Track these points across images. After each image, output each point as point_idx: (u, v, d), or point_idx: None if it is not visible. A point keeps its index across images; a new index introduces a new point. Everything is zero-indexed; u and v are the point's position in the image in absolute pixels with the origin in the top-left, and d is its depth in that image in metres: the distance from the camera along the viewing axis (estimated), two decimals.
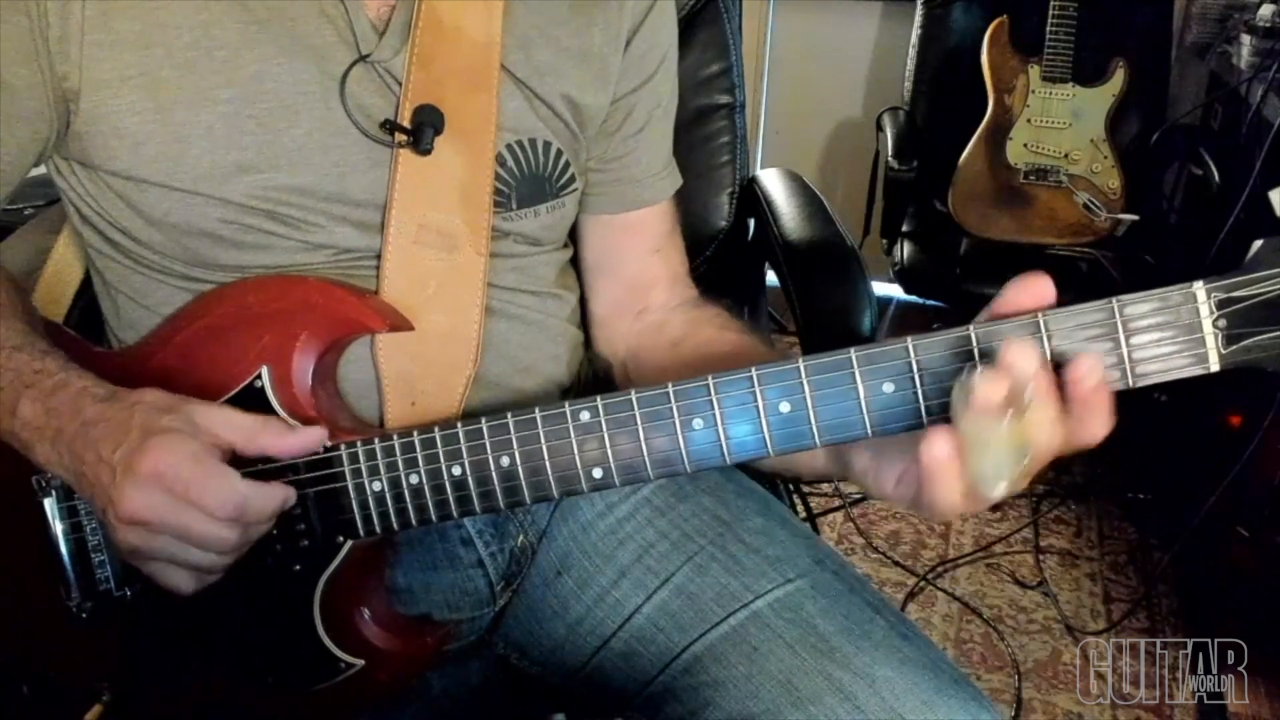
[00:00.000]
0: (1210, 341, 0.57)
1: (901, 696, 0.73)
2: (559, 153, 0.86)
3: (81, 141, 0.77)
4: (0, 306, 0.78)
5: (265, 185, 0.77)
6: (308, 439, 0.71)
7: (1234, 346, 0.57)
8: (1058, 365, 0.57)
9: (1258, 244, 0.57)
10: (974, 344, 0.59)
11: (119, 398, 0.70)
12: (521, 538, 0.91)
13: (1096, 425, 0.58)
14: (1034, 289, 0.60)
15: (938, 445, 0.57)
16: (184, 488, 0.66)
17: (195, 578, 0.71)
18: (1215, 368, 0.57)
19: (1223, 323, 0.57)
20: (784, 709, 0.74)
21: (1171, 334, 0.57)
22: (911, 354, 0.60)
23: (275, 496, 0.70)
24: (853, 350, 0.61)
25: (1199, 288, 0.57)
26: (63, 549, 0.77)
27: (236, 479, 0.68)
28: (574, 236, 0.96)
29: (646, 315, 0.95)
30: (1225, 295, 0.56)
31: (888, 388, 0.61)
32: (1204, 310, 0.57)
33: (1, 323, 0.76)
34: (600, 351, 0.98)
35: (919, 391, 0.60)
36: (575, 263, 0.97)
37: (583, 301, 0.98)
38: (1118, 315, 0.58)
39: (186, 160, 0.76)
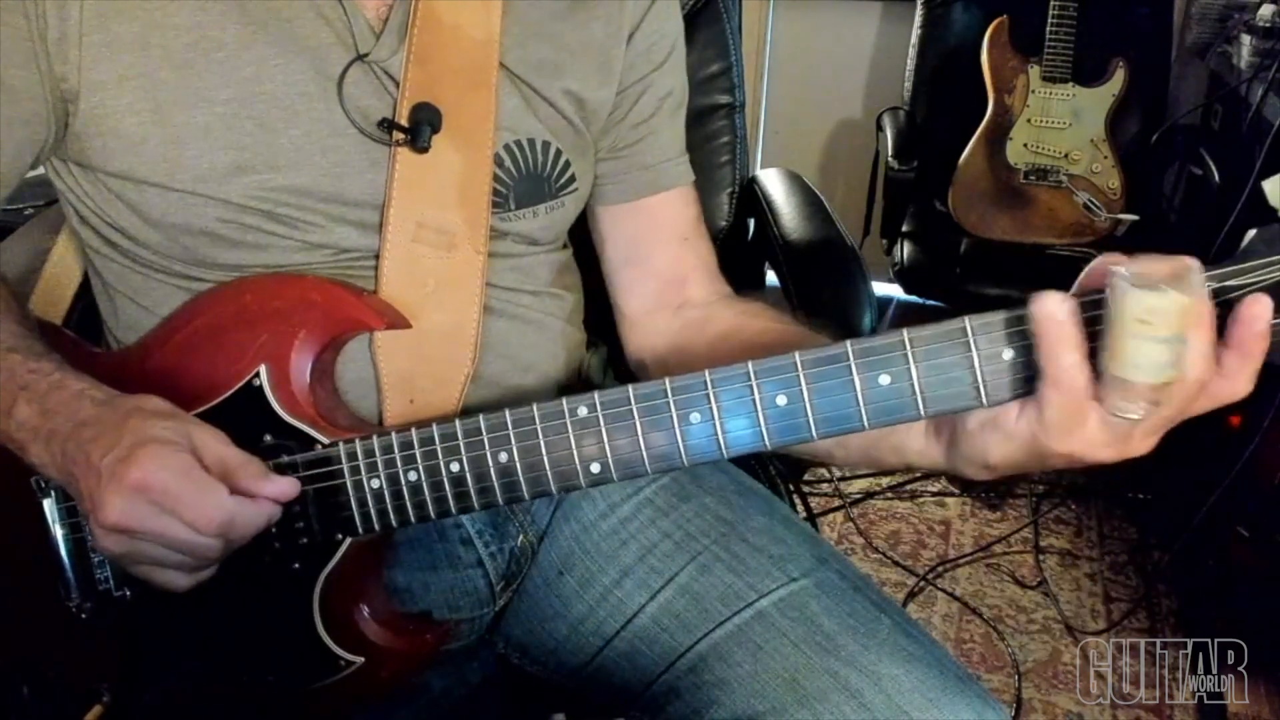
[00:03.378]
0: None
1: (907, 694, 0.73)
2: (559, 152, 0.86)
3: (80, 142, 0.77)
4: None
5: (264, 185, 0.77)
6: (278, 488, 0.70)
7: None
8: (1222, 312, 0.55)
9: (1251, 233, 0.56)
10: (969, 335, 0.59)
11: (116, 402, 0.70)
12: (522, 538, 0.91)
13: (1244, 379, 0.56)
14: None
15: (1048, 301, 0.54)
16: (171, 500, 0.65)
17: (185, 575, 0.71)
18: None
19: (1218, 311, 0.55)
20: (789, 707, 0.74)
21: None
22: (907, 346, 0.60)
23: (261, 514, 0.70)
24: (849, 343, 0.61)
25: None
26: (62, 550, 0.77)
27: (224, 495, 0.67)
28: (597, 236, 0.96)
29: (687, 310, 0.94)
30: (1219, 285, 0.56)
31: (884, 380, 0.61)
32: None
33: None
34: (635, 351, 0.96)
35: (915, 384, 0.60)
36: (601, 264, 0.97)
37: (613, 302, 0.97)
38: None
39: (185, 161, 0.76)
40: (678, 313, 0.94)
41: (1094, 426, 0.57)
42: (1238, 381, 0.56)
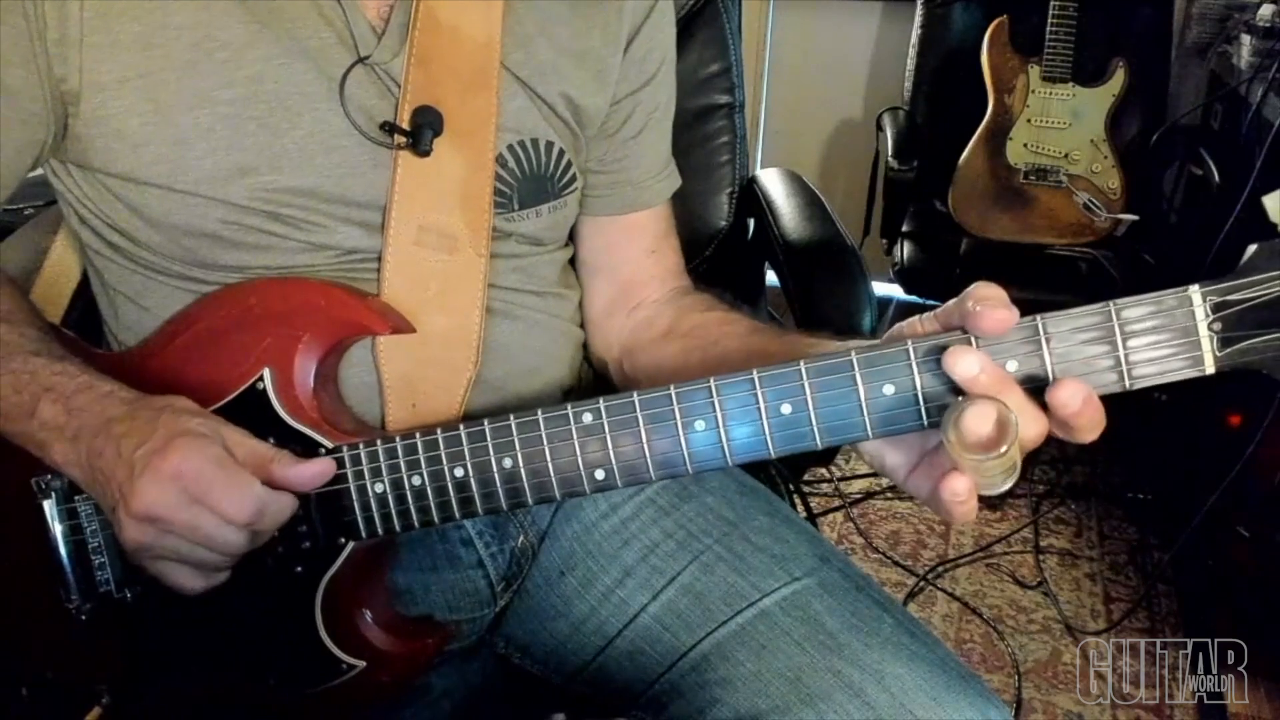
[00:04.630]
0: (1206, 344, 0.57)
1: (911, 693, 0.73)
2: (561, 152, 0.86)
3: (81, 144, 0.76)
4: (10, 313, 0.78)
5: (266, 187, 0.77)
6: (315, 470, 0.71)
7: (1229, 349, 0.57)
8: (1044, 385, 0.58)
9: (1252, 248, 0.57)
10: (974, 347, 0.59)
11: (147, 399, 0.71)
12: (522, 538, 0.90)
13: (1084, 436, 0.59)
14: (997, 319, 0.59)
15: (959, 488, 0.58)
16: (204, 490, 0.66)
17: (202, 576, 0.71)
18: (1210, 370, 0.58)
19: (1218, 326, 0.57)
20: (793, 706, 0.74)
21: (1168, 337, 0.57)
22: (912, 356, 0.60)
23: (287, 505, 0.70)
24: (854, 352, 0.61)
25: (1194, 291, 0.57)
26: (62, 551, 0.76)
27: (256, 485, 0.68)
28: (571, 236, 0.96)
29: (639, 311, 0.95)
30: (1220, 299, 0.57)
31: (888, 390, 0.61)
32: (1199, 314, 0.57)
33: (13, 329, 0.76)
34: (596, 350, 0.98)
35: (919, 394, 0.60)
36: (571, 261, 0.97)
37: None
38: (1115, 318, 0.58)
39: (187, 162, 0.75)
40: (631, 314, 0.95)
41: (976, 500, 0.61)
42: (1078, 439, 0.59)
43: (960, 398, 0.58)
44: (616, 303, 0.96)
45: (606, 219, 0.95)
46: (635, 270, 0.96)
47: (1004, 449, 0.55)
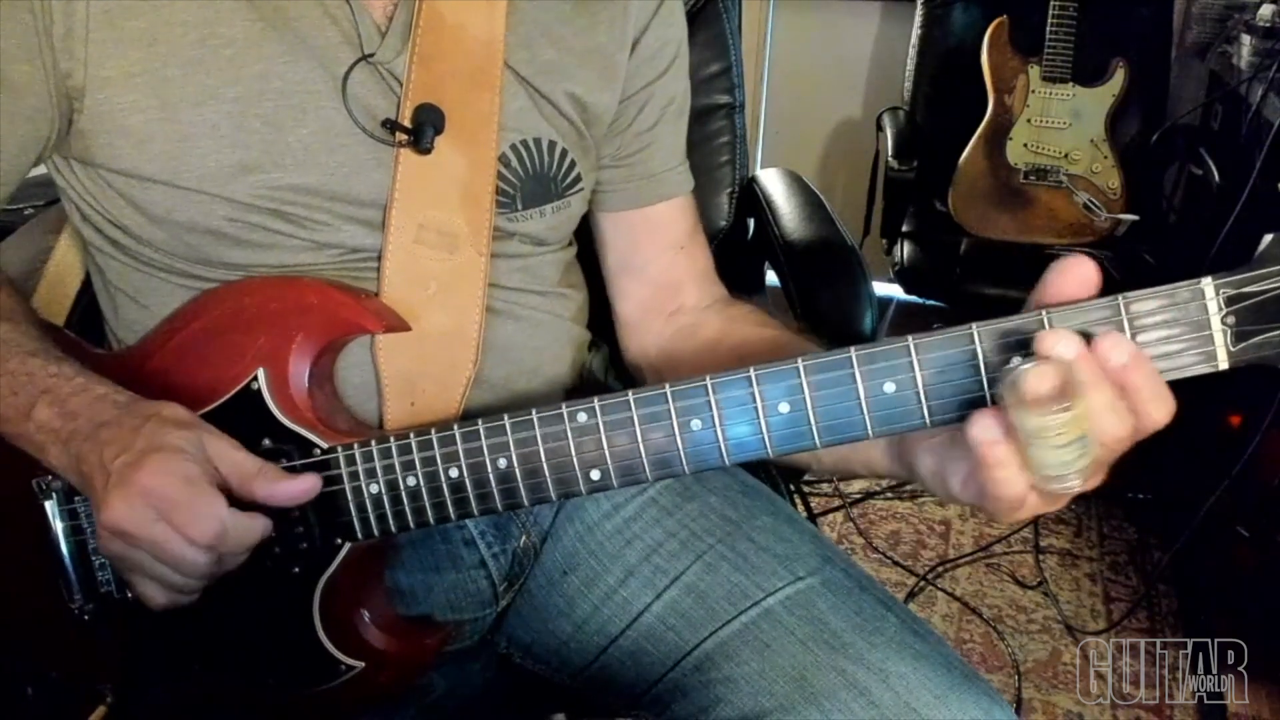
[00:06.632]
0: (1219, 339, 0.55)
1: (915, 691, 0.73)
2: (564, 152, 0.86)
3: (85, 140, 0.76)
4: (10, 313, 0.78)
5: (270, 185, 0.77)
6: (300, 488, 0.70)
7: (1243, 344, 0.55)
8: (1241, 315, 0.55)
9: (1268, 238, 0.55)
10: (976, 342, 0.58)
11: (136, 406, 0.70)
12: (524, 538, 0.90)
13: (1153, 406, 0.55)
14: (1077, 273, 0.56)
15: (984, 427, 0.55)
16: (169, 509, 0.65)
17: (167, 594, 0.71)
18: (1224, 366, 0.56)
19: (1232, 319, 0.55)
20: (797, 704, 0.74)
21: (1179, 331, 0.55)
22: (913, 353, 0.59)
23: (255, 529, 0.70)
24: (853, 349, 0.60)
25: (1207, 284, 0.55)
26: (64, 551, 0.76)
27: (221, 507, 0.67)
28: (597, 239, 0.96)
29: (679, 316, 0.94)
30: (1235, 291, 0.55)
31: (889, 387, 0.59)
32: (1212, 307, 0.55)
33: (14, 329, 0.76)
34: (630, 355, 0.97)
35: (920, 391, 0.59)
36: (600, 266, 0.97)
37: (610, 305, 0.97)
38: (1124, 312, 0.56)
39: (191, 159, 0.75)
40: (670, 319, 0.95)
41: (1034, 502, 0.58)
42: (1148, 412, 0.56)
43: (1019, 357, 0.55)
44: (652, 305, 0.95)
45: (628, 214, 0.94)
46: (667, 269, 0.95)
47: (1065, 406, 0.51)
